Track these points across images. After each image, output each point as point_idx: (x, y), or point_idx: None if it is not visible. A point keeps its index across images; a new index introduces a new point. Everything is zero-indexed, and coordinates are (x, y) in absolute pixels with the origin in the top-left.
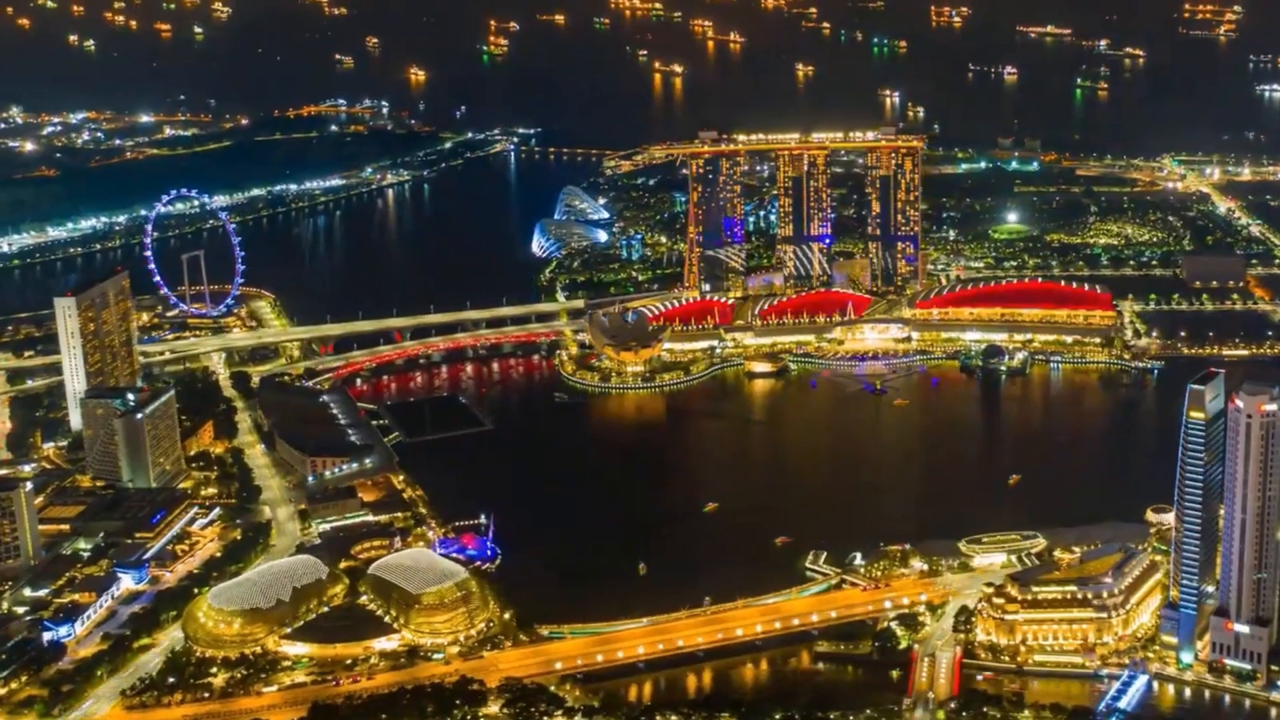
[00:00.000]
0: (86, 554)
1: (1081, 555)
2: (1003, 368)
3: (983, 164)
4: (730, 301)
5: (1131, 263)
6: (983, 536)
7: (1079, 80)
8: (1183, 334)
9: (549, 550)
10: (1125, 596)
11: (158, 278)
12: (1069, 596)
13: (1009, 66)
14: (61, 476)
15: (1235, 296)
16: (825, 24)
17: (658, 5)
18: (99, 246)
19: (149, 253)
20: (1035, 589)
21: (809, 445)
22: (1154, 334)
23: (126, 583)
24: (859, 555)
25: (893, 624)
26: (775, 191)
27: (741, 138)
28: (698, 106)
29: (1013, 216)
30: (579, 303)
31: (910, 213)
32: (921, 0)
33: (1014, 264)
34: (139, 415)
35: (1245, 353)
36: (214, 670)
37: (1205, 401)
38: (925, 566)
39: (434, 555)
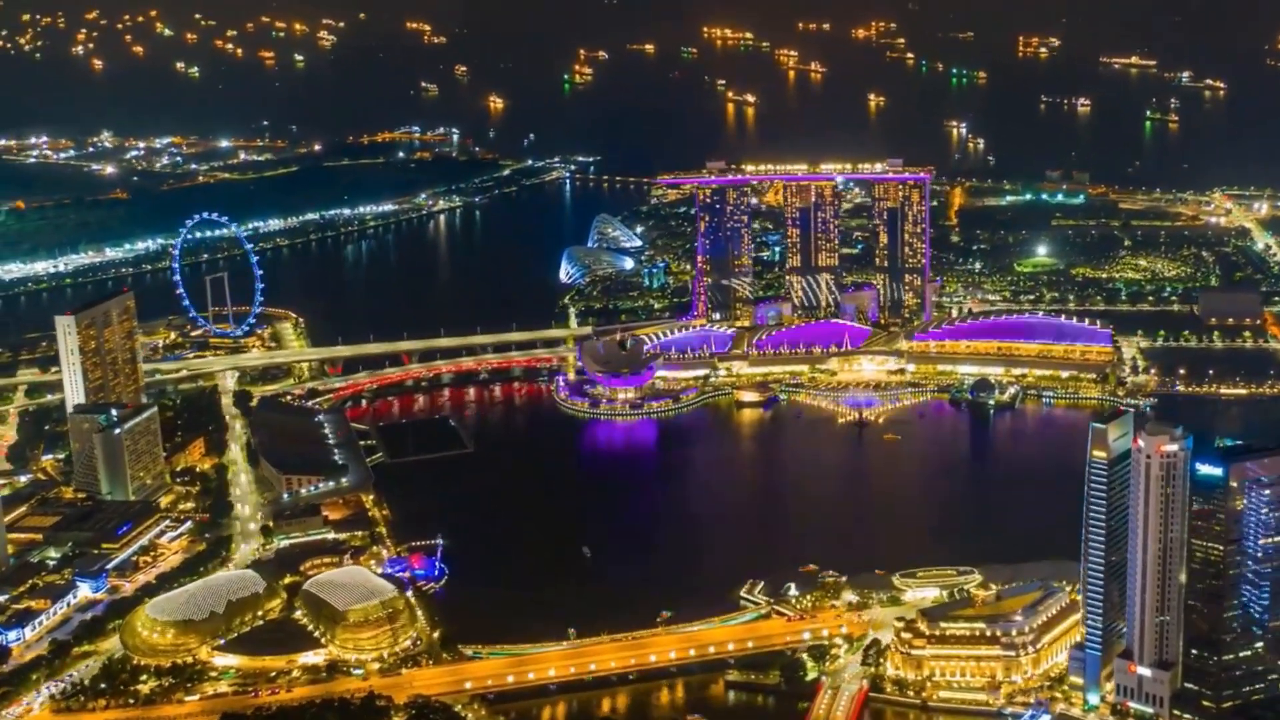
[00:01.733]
0: (53, 562)
1: (999, 592)
2: (991, 401)
3: (1028, 196)
4: (730, 331)
5: (1150, 298)
6: (917, 570)
7: (1149, 112)
8: (1181, 371)
9: (500, 572)
10: (1037, 635)
11: (185, 298)
12: (977, 634)
13: (1082, 98)
14: (51, 488)
15: (1248, 334)
16: (909, 55)
17: (748, 35)
18: (149, 268)
19: (176, 275)
20: (944, 625)
21: (770, 475)
22: (1152, 371)
23: (84, 591)
24: (793, 585)
25: (804, 655)
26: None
27: (750, 168)
28: (764, 135)
29: (1042, 250)
30: (587, 329)
31: (917, 245)
32: (1011, 31)
33: (1031, 298)
34: (117, 430)
35: (1244, 392)
36: (144, 678)
37: (1109, 441)
38: (856, 599)
39: (368, 574)
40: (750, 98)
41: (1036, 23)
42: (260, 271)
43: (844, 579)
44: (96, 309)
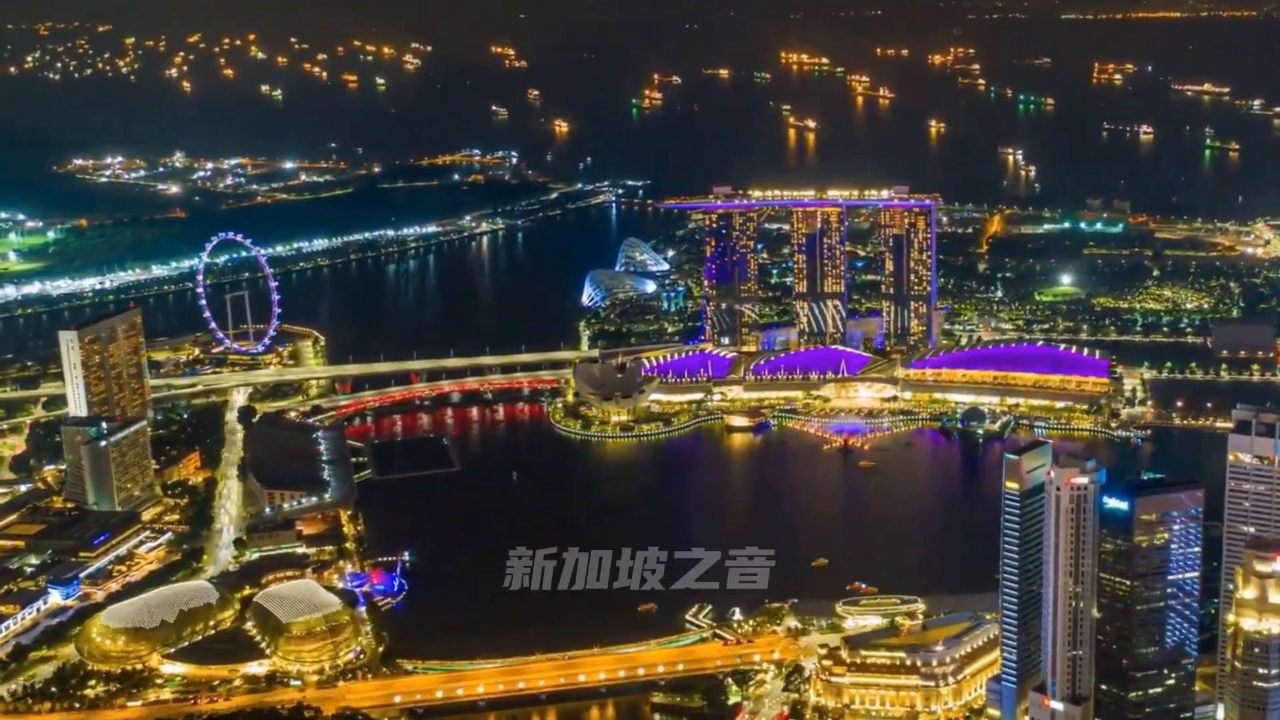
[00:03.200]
0: (31, 569)
1: (925, 622)
2: (980, 431)
3: (1066, 224)
4: (730, 356)
5: (1165, 329)
6: (860, 599)
7: (1208, 140)
8: (1179, 404)
9: (461, 588)
10: (958, 666)
11: (208, 315)
12: (897, 663)
13: (1145, 126)
14: (45, 497)
15: (1256, 367)
16: (981, 81)
17: (823, 61)
18: (190, 285)
19: (200, 291)
20: (865, 653)
21: (742, 500)
22: (1149, 403)
23: (55, 597)
24: (738, 610)
25: (729, 679)
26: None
27: (756, 193)
28: (816, 159)
29: (1066, 279)
30: (594, 352)
31: (923, 272)
32: (1089, 58)
33: (1045, 327)
34: (102, 443)
35: None
36: (93, 683)
37: (1022, 472)
38: (797, 625)
39: (317, 588)
40: (811, 123)
41: (1115, 49)
42: (278, 296)
43: (787, 605)
44: (101, 324)
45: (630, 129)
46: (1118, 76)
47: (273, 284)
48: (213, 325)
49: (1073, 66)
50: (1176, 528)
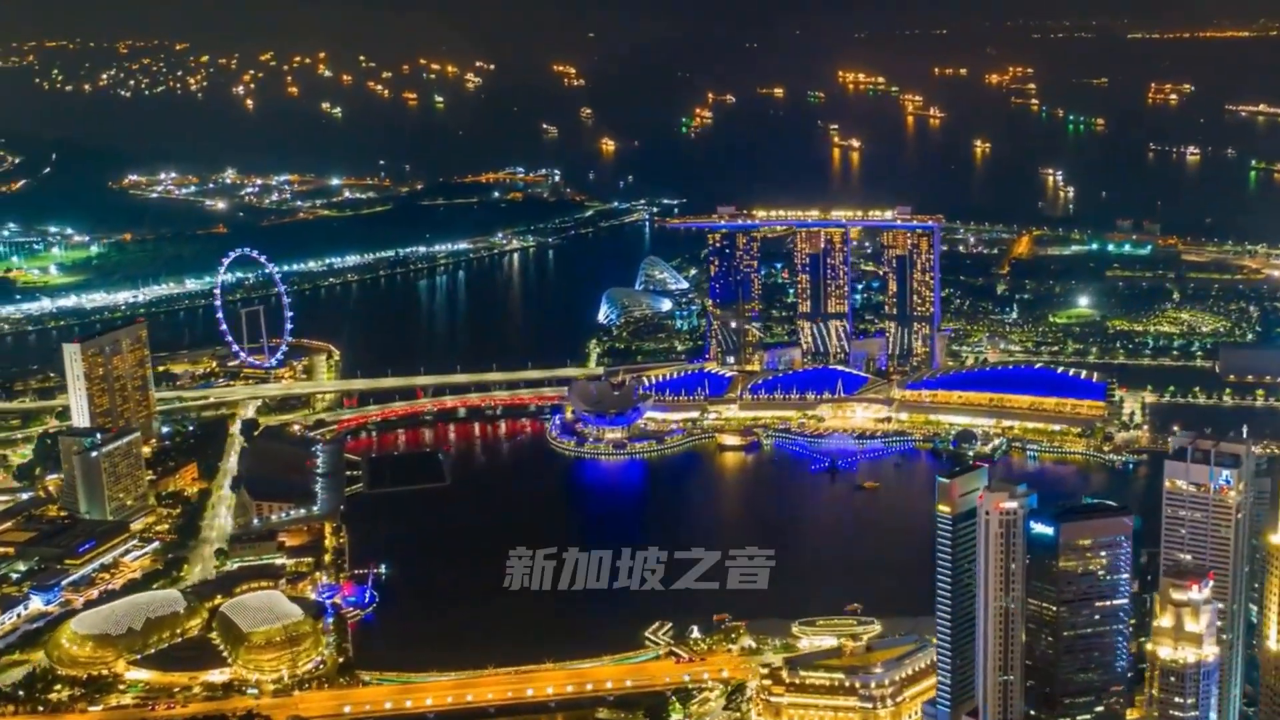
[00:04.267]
0: (18, 575)
1: (869, 643)
2: (970, 453)
3: (1094, 246)
4: (728, 375)
5: (1175, 352)
6: (817, 619)
7: (1254, 162)
8: (1175, 429)
9: (434, 600)
10: (898, 689)
11: (225, 330)
12: (836, 684)
13: (1191, 147)
14: (45, 505)
15: (1261, 392)
16: (1034, 101)
17: (879, 80)
18: (229, 299)
19: (218, 304)
20: (804, 674)
21: (723, 517)
22: (1144, 427)
23: (36, 603)
24: (696, 628)
25: (673, 697)
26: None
27: (760, 213)
28: (854, 178)
29: (1084, 301)
30: (599, 369)
31: (926, 293)
32: (1147, 78)
33: (1054, 349)
34: (94, 453)
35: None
36: (59, 688)
37: (954, 495)
38: (752, 644)
39: (282, 598)
40: (855, 142)
41: (1176, 69)
42: (290, 313)
43: (743, 624)
44: (105, 337)
45: (677, 148)
46: (1173, 97)
47: (285, 300)
48: (228, 339)
49: (1130, 86)
50: (1104, 554)
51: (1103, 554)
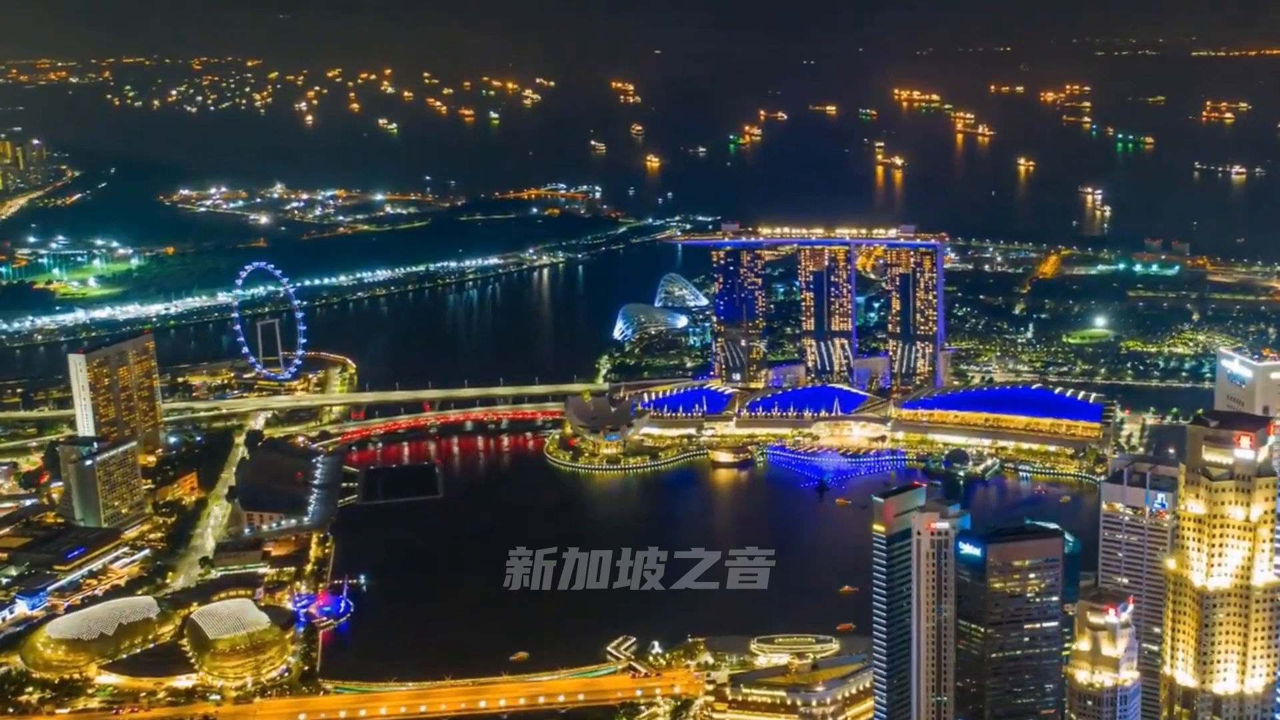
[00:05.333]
0: (8, 580)
1: (814, 661)
2: (961, 473)
3: (1120, 266)
4: (728, 392)
5: (1184, 373)
6: (776, 636)
7: None
8: (1170, 450)
9: (411, 611)
10: (839, 708)
11: (243, 342)
12: (777, 701)
13: (1237, 166)
14: (40, 512)
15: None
16: (1087, 119)
17: (934, 98)
18: (250, 312)
19: (236, 316)
20: (747, 691)
21: (708, 534)
22: (1139, 449)
23: (21, 607)
24: (657, 644)
25: (620, 711)
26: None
27: (765, 231)
28: (897, 197)
29: (1100, 321)
30: (604, 385)
31: (929, 312)
32: (1205, 96)
33: (1063, 369)
34: (88, 462)
35: None
36: (31, 690)
37: (889, 515)
38: (710, 660)
39: (251, 606)
40: (898, 160)
41: (1230, 88)
42: (303, 326)
43: (703, 640)
44: (111, 349)
45: (721, 165)
46: (1229, 115)
47: (299, 314)
48: (245, 351)
49: (1186, 105)
50: (1034, 577)
51: (1032, 576)
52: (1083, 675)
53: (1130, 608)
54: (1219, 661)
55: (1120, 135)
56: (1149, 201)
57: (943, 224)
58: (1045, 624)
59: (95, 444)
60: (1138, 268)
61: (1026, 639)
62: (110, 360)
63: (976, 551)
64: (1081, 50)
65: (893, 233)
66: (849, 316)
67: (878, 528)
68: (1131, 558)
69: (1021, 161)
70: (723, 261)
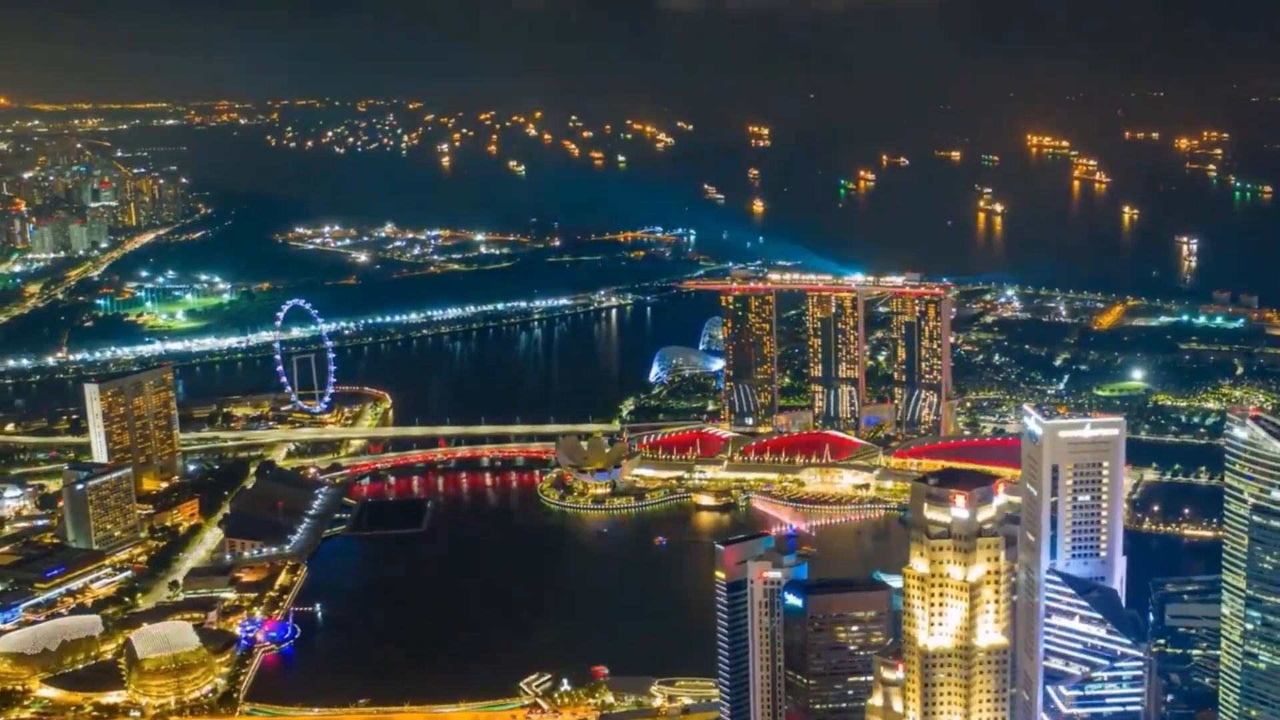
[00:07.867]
0: None
1: (684, 705)
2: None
3: (1184, 318)
4: (724, 436)
5: (1203, 430)
6: (678, 679)
7: None
8: (1155, 508)
9: (353, 640)
10: None
11: (283, 376)
12: None
13: None
14: (43, 532)
15: None
16: (1211, 166)
17: (1064, 143)
18: (315, 348)
19: (278, 352)
20: None
21: (673, 575)
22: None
23: None
24: (566, 681)
25: None
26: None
27: (774, 276)
28: (995, 244)
29: (1138, 374)
30: (615, 425)
31: (934, 361)
32: None
33: None
34: (79, 487)
35: (1209, 534)
36: None
37: (730, 563)
38: (610, 699)
39: (187, 629)
40: (999, 206)
41: None
42: (334, 366)
43: (605, 680)
44: (128, 379)
45: (827, 210)
46: None
47: (331, 353)
48: (285, 383)
49: None
50: (857, 629)
51: (854, 629)
52: None
53: None
54: None
55: (1239, 184)
56: (1245, 252)
57: (1030, 271)
58: (867, 676)
59: (90, 470)
60: (1200, 320)
61: (850, 691)
62: (126, 390)
63: (799, 602)
64: (1235, 96)
65: (899, 280)
66: (855, 363)
67: (719, 575)
68: None
69: (1126, 209)
70: (731, 306)
